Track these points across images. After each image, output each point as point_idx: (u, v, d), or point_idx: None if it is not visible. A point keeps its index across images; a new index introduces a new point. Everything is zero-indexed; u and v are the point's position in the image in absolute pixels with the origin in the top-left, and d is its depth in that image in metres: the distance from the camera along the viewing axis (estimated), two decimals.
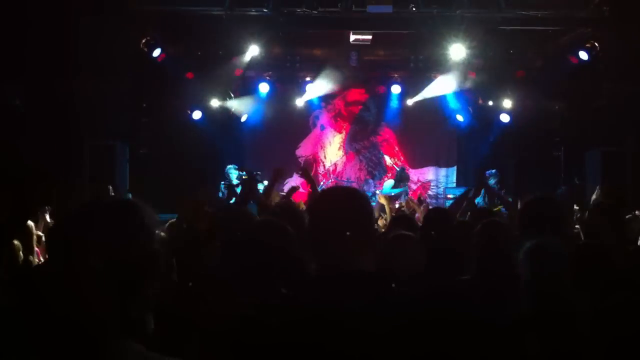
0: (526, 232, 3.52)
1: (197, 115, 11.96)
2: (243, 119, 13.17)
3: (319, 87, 12.64)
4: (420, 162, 13.86)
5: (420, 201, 8.64)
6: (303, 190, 12.33)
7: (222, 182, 10.87)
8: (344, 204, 2.02)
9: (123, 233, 1.62)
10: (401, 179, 11.47)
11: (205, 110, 12.12)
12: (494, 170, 10.61)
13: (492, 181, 10.37)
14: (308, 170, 5.50)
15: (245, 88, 12.50)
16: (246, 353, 1.77)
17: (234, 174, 10.94)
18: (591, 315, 2.26)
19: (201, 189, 5.50)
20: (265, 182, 11.28)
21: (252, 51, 10.75)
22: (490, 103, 12.62)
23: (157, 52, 9.87)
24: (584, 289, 2.72)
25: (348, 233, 1.92)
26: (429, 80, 12.37)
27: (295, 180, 13.02)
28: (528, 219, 3.58)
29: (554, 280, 2.82)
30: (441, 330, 1.84)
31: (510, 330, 2.35)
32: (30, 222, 3.94)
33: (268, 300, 1.95)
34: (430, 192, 13.66)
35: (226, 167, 10.97)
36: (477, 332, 2.01)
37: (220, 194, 10.81)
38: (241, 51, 11.10)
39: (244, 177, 5.86)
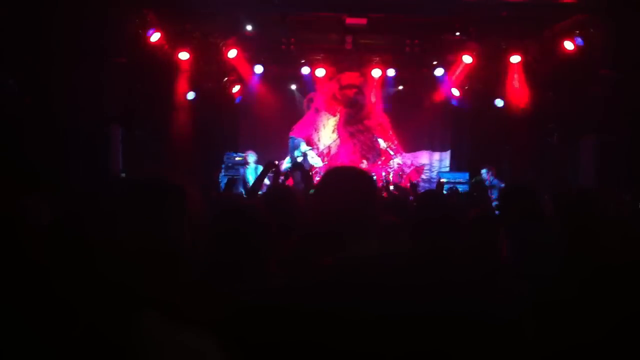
0: (508, 221, 3.58)
1: (191, 96, 11.93)
2: (237, 100, 13.15)
3: (313, 69, 12.62)
4: (414, 146, 13.89)
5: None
6: None
7: (223, 166, 11.00)
8: (352, 185, 2.02)
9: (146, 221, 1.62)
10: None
11: (199, 91, 12.08)
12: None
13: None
14: (305, 169, 5.47)
15: (239, 70, 12.43)
16: (243, 349, 1.78)
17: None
18: (581, 302, 2.30)
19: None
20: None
21: (247, 33, 10.70)
22: (485, 88, 12.63)
23: (151, 33, 9.82)
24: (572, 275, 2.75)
25: (356, 211, 1.93)
26: (424, 64, 12.36)
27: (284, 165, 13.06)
28: (507, 208, 3.64)
29: (537, 266, 2.85)
30: (441, 325, 1.87)
31: (506, 325, 2.38)
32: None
33: (259, 291, 1.96)
34: (423, 176, 13.71)
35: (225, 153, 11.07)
36: (476, 328, 2.03)
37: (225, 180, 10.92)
38: (236, 33, 11.04)
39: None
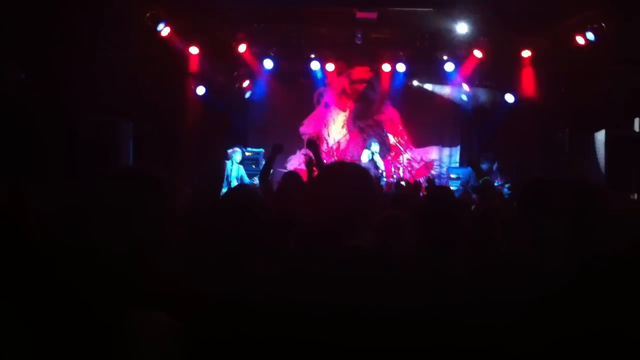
0: (525, 215, 3.53)
1: (200, 91, 11.94)
2: (247, 95, 13.15)
3: (323, 64, 12.60)
4: (423, 142, 13.84)
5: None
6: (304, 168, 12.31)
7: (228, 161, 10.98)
8: (348, 179, 2.02)
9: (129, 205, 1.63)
10: None
11: (209, 86, 12.09)
12: (490, 154, 10.74)
13: (484, 165, 10.49)
14: (316, 145, 5.35)
15: (249, 64, 12.43)
16: (233, 341, 1.78)
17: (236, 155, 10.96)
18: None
19: None
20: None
21: (258, 27, 10.69)
22: (496, 83, 12.56)
23: (161, 27, 9.84)
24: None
25: (350, 208, 1.93)
26: (435, 59, 12.32)
27: (299, 158, 13.06)
28: (526, 202, 3.58)
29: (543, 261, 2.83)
30: (440, 321, 1.86)
31: (507, 322, 2.36)
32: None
33: (252, 283, 1.96)
34: (433, 172, 13.67)
35: (231, 147, 10.98)
36: (476, 325, 2.02)
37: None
38: (246, 27, 11.03)
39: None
